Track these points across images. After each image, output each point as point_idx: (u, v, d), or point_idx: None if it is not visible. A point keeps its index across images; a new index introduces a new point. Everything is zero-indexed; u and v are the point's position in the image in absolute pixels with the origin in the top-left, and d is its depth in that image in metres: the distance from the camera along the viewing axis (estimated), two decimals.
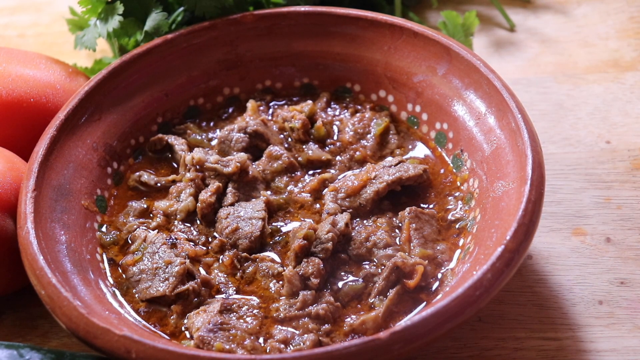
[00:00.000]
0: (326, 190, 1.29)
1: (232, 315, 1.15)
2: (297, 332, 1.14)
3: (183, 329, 1.16)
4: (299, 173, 1.32)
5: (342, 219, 1.22)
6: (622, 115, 1.47)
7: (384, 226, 1.23)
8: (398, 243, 1.22)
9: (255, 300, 1.18)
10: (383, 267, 1.19)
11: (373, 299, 1.16)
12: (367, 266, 1.20)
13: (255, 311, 1.16)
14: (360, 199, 1.26)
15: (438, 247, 1.21)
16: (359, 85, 1.41)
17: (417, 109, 1.36)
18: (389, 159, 1.32)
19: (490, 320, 1.22)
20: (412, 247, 1.21)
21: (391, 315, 1.15)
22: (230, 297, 1.18)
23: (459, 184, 1.29)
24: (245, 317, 1.15)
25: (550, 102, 1.51)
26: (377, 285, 1.17)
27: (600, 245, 1.29)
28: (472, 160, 1.27)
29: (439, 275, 1.18)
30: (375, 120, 1.37)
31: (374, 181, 1.27)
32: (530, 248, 1.27)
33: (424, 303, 1.16)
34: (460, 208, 1.26)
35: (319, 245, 1.20)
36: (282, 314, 1.15)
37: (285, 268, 1.19)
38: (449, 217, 1.25)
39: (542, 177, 1.16)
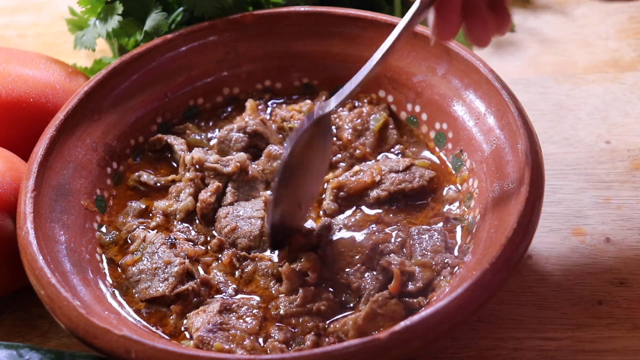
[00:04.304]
0: (327, 186, 1.29)
1: (231, 315, 1.15)
2: (297, 330, 1.14)
3: (183, 329, 1.16)
4: None
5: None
6: (621, 116, 1.47)
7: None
8: (403, 251, 1.21)
9: (255, 300, 1.18)
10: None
11: (363, 305, 1.15)
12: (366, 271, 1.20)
13: (254, 311, 1.16)
14: (361, 201, 1.26)
15: (437, 258, 1.19)
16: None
17: (417, 109, 1.36)
18: (398, 158, 1.31)
19: (490, 320, 1.22)
20: (411, 257, 1.20)
21: (375, 318, 1.12)
22: (229, 297, 1.18)
23: (458, 184, 1.29)
24: (244, 317, 1.15)
25: (550, 102, 1.51)
26: (368, 288, 1.16)
27: (600, 245, 1.29)
28: (471, 160, 1.27)
29: (435, 281, 1.17)
30: (373, 115, 1.36)
31: (377, 186, 1.26)
32: (530, 248, 1.27)
33: (414, 309, 1.14)
34: (458, 207, 1.26)
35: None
36: (282, 311, 1.15)
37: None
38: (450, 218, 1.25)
39: (541, 177, 1.16)
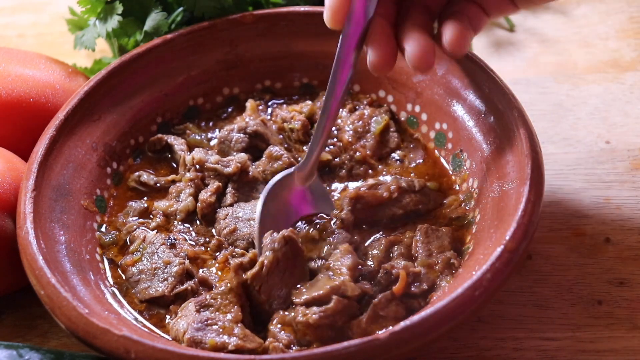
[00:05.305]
0: (346, 197, 1.25)
1: (210, 309, 1.13)
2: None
3: (170, 338, 1.14)
4: None
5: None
6: (621, 116, 1.47)
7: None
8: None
9: (224, 286, 1.15)
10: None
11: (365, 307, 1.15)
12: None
13: (229, 297, 1.13)
14: (377, 216, 1.25)
15: (442, 257, 1.18)
16: (358, 85, 1.41)
17: (417, 109, 1.36)
18: (413, 181, 1.27)
19: (490, 320, 1.22)
20: (417, 258, 1.19)
21: (377, 320, 1.12)
22: (201, 295, 1.17)
23: (458, 184, 1.29)
24: (221, 307, 1.13)
25: (549, 102, 1.51)
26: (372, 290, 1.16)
27: (600, 245, 1.29)
28: (471, 160, 1.27)
29: (438, 282, 1.17)
30: (374, 118, 1.36)
31: (394, 203, 1.25)
32: (530, 248, 1.27)
33: (415, 309, 1.14)
34: (458, 207, 1.26)
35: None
36: (311, 320, 1.11)
37: None
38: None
39: (541, 177, 1.16)
